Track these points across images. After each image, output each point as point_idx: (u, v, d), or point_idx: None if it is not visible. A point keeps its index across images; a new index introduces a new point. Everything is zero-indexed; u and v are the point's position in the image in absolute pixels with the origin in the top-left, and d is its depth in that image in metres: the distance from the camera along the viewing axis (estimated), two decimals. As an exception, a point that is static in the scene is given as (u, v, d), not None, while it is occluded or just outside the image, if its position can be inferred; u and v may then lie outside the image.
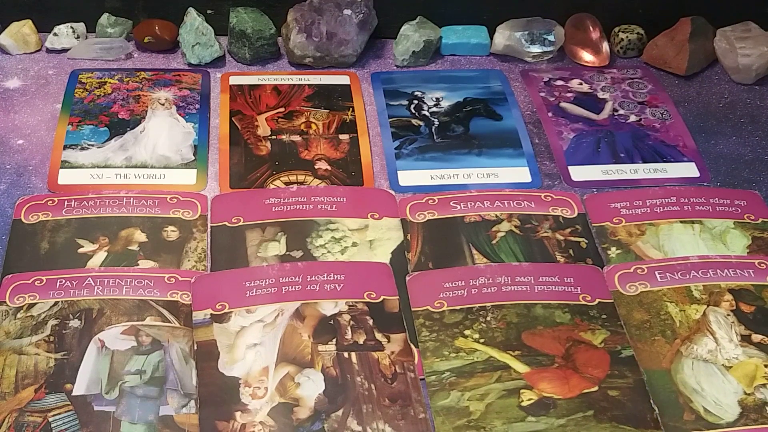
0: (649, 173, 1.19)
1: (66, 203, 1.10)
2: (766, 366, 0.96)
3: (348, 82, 1.31)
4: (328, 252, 1.07)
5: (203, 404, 0.91)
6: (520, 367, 0.95)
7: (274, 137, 1.21)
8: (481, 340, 0.98)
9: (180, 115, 1.23)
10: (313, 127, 1.23)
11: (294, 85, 1.30)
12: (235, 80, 1.30)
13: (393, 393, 0.93)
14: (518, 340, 0.98)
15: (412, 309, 1.00)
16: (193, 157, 1.18)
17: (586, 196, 1.15)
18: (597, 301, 1.02)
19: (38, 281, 1.01)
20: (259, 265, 1.04)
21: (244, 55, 1.33)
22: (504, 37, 1.35)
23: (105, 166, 1.16)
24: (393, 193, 1.14)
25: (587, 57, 1.36)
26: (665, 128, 1.25)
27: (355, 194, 1.13)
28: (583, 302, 1.01)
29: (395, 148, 1.20)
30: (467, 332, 0.98)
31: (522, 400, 0.92)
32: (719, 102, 1.31)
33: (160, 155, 1.18)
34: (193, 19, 1.31)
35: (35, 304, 0.99)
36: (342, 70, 1.33)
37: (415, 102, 1.28)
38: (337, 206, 1.11)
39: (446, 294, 1.02)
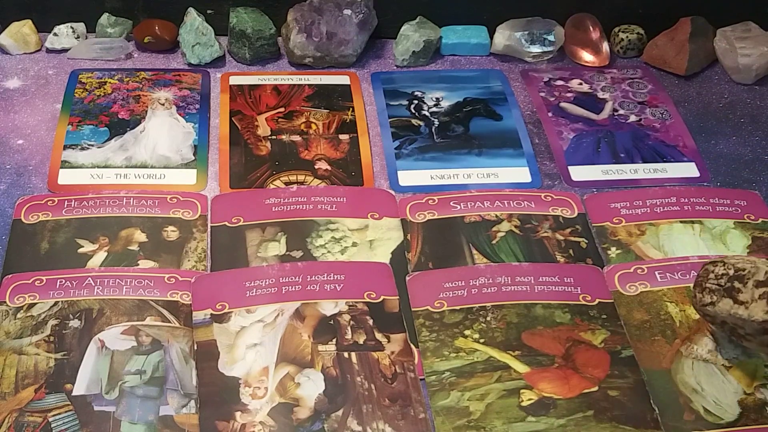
0: (649, 173, 1.19)
1: (66, 203, 1.10)
2: (766, 366, 0.96)
3: (348, 82, 1.31)
4: (328, 252, 1.06)
5: (203, 404, 0.91)
6: (520, 367, 0.95)
7: (274, 137, 1.21)
8: (481, 340, 0.97)
9: (180, 115, 1.23)
10: (313, 127, 1.23)
11: (294, 85, 1.30)
12: (235, 80, 1.30)
13: (393, 393, 0.93)
14: (518, 340, 0.98)
15: (412, 309, 1.00)
16: (193, 157, 1.18)
17: (586, 196, 1.15)
18: (597, 301, 1.02)
19: (38, 281, 1.01)
20: (259, 265, 1.04)
21: (244, 55, 1.33)
22: (504, 37, 1.35)
23: (105, 166, 1.16)
24: (393, 193, 1.14)
25: (587, 57, 1.36)
26: (665, 128, 1.25)
27: (355, 194, 1.13)
28: (583, 302, 1.01)
29: (395, 148, 1.20)
30: (467, 332, 0.98)
31: (522, 400, 0.92)
32: (719, 102, 1.31)
33: (160, 155, 1.18)
34: (193, 19, 1.31)
35: (35, 304, 0.99)
36: (342, 70, 1.33)
37: (415, 102, 1.28)
38: (337, 206, 1.11)
39: (446, 294, 1.02)
